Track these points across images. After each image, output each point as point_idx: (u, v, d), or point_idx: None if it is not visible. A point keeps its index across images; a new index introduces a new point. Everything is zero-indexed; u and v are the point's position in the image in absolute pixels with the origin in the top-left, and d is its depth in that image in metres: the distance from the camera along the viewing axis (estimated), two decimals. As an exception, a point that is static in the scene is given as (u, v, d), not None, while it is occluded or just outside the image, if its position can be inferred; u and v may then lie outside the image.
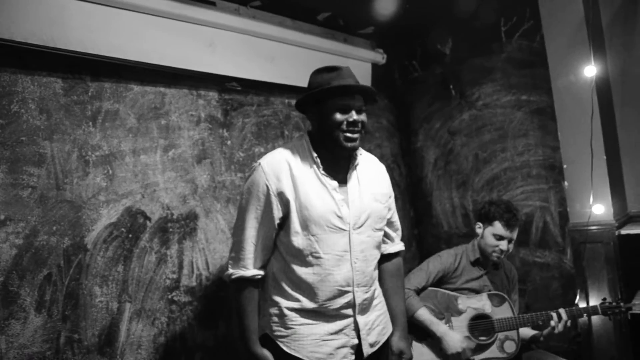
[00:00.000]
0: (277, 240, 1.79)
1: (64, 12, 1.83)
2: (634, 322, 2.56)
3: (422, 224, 3.77)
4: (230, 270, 1.78)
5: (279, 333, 1.75)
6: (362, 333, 1.78)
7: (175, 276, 2.17)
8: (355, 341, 1.78)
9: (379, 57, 3.41)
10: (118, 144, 2.04)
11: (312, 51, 2.87)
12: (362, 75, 3.26)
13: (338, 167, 1.82)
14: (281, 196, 1.72)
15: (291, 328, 1.74)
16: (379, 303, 1.91)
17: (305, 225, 1.72)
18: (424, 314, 2.46)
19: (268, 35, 2.60)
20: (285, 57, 2.71)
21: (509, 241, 2.56)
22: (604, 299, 2.44)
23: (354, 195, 1.80)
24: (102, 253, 1.94)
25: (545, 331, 2.41)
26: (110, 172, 2.00)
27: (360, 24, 3.17)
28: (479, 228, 2.65)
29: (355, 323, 1.78)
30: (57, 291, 1.79)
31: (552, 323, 2.36)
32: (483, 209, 2.66)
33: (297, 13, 2.76)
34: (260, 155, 2.35)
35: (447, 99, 3.56)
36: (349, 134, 1.74)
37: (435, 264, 2.66)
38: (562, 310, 2.38)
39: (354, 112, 1.74)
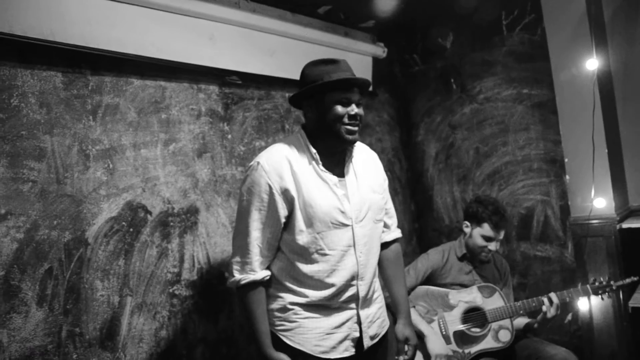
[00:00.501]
0: (280, 244, 1.78)
1: (63, 6, 1.82)
2: (635, 315, 2.56)
3: (423, 217, 3.77)
4: (238, 276, 1.74)
5: (282, 327, 1.75)
6: (364, 326, 1.80)
7: (176, 270, 2.17)
8: (357, 334, 1.79)
9: (380, 50, 3.40)
10: (118, 138, 2.03)
11: (312, 45, 2.86)
12: (363, 69, 3.25)
13: (334, 161, 1.80)
14: (285, 194, 1.70)
15: (295, 322, 1.74)
16: (379, 296, 1.93)
17: (309, 223, 1.70)
18: (411, 315, 2.46)
19: (268, 29, 2.58)
20: (286, 50, 2.70)
21: (498, 241, 2.57)
22: (594, 279, 2.44)
23: (353, 189, 1.79)
24: (103, 247, 1.94)
25: (539, 317, 2.41)
26: (111, 166, 1.99)
27: (361, 18, 3.15)
28: (466, 227, 2.67)
29: (358, 316, 1.79)
30: (59, 285, 1.79)
31: (544, 308, 2.37)
32: (471, 209, 2.65)
33: (297, 6, 2.75)
34: (262, 149, 2.34)
35: (448, 93, 3.55)
36: (350, 127, 1.73)
37: (423, 262, 2.68)
38: (552, 294, 2.39)
39: (354, 105, 1.74)
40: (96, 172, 1.95)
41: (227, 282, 1.78)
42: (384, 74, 3.57)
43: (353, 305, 1.79)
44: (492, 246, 2.56)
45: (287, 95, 2.77)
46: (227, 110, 2.48)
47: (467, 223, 2.66)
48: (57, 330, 1.77)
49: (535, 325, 2.46)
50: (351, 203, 1.76)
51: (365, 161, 1.92)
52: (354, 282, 1.77)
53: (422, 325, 2.45)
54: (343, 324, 1.77)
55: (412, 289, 2.61)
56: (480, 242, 2.57)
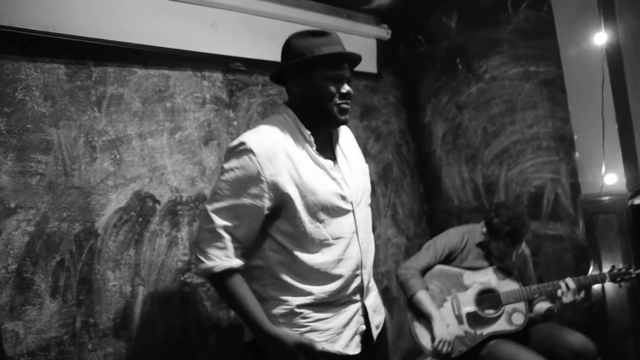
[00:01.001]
0: (273, 231, 1.59)
1: (64, -3, 1.81)
2: (649, 291, 2.55)
3: (432, 199, 3.75)
4: (209, 263, 1.51)
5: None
6: (370, 316, 1.70)
7: (186, 258, 2.18)
8: (364, 327, 1.69)
9: (384, 32, 3.36)
10: (124, 128, 2.03)
11: (315, 29, 2.82)
12: (368, 51, 3.22)
13: (322, 142, 1.65)
14: (275, 184, 1.52)
15: (306, 326, 1.59)
16: (373, 282, 1.82)
17: (312, 212, 1.56)
18: (422, 296, 2.46)
19: (269, 14, 2.56)
20: (288, 35, 2.67)
21: (516, 250, 2.52)
22: (613, 267, 2.40)
23: (347, 173, 1.67)
24: (113, 237, 1.95)
25: (558, 302, 2.38)
26: (118, 156, 2.00)
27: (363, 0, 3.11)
28: (484, 235, 2.57)
29: (364, 308, 1.69)
30: (71, 277, 1.81)
31: (559, 293, 2.33)
32: (490, 216, 2.52)
33: (299, -10, 2.71)
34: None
35: (454, 73, 3.51)
36: (343, 106, 1.59)
37: (442, 241, 2.65)
38: (569, 280, 2.34)
39: (345, 83, 1.60)
40: (103, 163, 1.95)
41: (194, 268, 1.61)
42: (389, 55, 3.53)
43: (358, 296, 1.68)
44: (510, 258, 2.53)
45: (291, 80, 2.74)
46: (232, 97, 2.47)
47: (485, 230, 2.56)
48: (71, 321, 1.79)
49: (555, 310, 2.43)
50: (350, 187, 1.65)
51: (348, 142, 1.79)
52: (359, 272, 1.66)
53: (432, 308, 2.44)
54: (351, 319, 1.65)
55: (430, 267, 2.59)
56: (498, 253, 2.54)
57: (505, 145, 3.34)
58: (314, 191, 1.55)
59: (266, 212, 1.55)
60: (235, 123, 2.46)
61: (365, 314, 1.70)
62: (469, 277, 2.52)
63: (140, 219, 2.04)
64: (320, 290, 1.59)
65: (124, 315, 1.95)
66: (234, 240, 1.54)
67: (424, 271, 2.57)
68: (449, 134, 3.60)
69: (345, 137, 1.78)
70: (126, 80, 2.06)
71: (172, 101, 2.21)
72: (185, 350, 2.14)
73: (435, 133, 3.67)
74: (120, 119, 2.02)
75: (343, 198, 1.61)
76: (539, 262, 3.22)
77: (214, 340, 2.24)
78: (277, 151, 1.53)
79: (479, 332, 2.45)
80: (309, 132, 1.60)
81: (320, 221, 1.57)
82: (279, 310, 1.60)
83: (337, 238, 1.60)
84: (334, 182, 1.61)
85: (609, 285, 2.66)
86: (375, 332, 1.72)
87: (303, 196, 1.55)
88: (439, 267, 2.59)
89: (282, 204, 1.54)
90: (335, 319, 1.62)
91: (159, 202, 2.11)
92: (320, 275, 1.58)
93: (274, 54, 2.63)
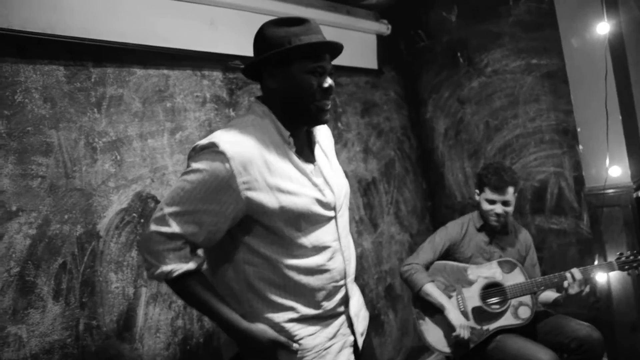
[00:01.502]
0: (248, 241, 1.44)
1: (61, -2, 1.80)
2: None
3: (435, 195, 3.74)
4: (165, 268, 1.34)
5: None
6: (355, 325, 1.58)
7: (189, 259, 2.16)
8: (351, 338, 1.58)
9: (384, 28, 3.34)
10: (124, 129, 2.02)
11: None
12: (368, 47, 3.21)
13: (300, 142, 1.51)
14: (248, 194, 1.36)
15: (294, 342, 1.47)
16: (354, 284, 1.67)
17: (291, 221, 1.41)
18: (430, 289, 2.45)
19: (268, 11, 2.54)
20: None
21: (504, 203, 2.50)
22: (621, 254, 2.35)
23: (329, 174, 1.54)
24: (115, 239, 1.94)
25: (564, 293, 2.35)
26: (119, 157, 1.98)
27: (363, -5, 3.10)
28: (477, 196, 2.63)
29: (348, 318, 1.57)
30: (73, 279, 1.80)
31: (565, 284, 2.29)
32: (477, 176, 2.64)
33: (297, -14, 2.70)
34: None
35: (455, 67, 3.49)
36: (325, 102, 1.45)
37: (442, 235, 2.64)
38: (575, 270, 2.30)
39: (327, 76, 1.44)
40: (104, 164, 1.94)
41: (146, 272, 1.45)
42: (389, 51, 3.51)
43: (342, 308, 1.55)
44: (498, 209, 2.49)
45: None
46: (232, 96, 2.46)
47: (477, 191, 2.63)
48: (74, 323, 1.78)
49: (562, 300, 2.39)
50: (333, 192, 1.52)
51: (326, 141, 1.65)
52: (343, 282, 1.53)
53: (442, 299, 2.43)
54: (337, 332, 1.53)
55: (430, 263, 2.57)
56: (486, 206, 2.53)
57: (507, 139, 3.33)
58: (293, 199, 1.41)
59: (233, 222, 1.40)
60: (236, 122, 2.45)
61: (350, 325, 1.59)
62: (473, 271, 2.50)
63: (142, 220, 2.03)
64: (302, 305, 1.46)
65: (127, 317, 1.94)
66: (192, 243, 1.39)
67: (427, 266, 2.56)
68: (451, 129, 3.59)
69: (324, 136, 1.66)
70: (126, 80, 2.05)
71: (172, 101, 2.20)
72: (189, 352, 2.13)
73: (437, 129, 3.65)
74: (120, 119, 2.01)
75: (324, 205, 1.48)
76: (543, 257, 3.20)
77: (218, 342, 2.23)
78: (252, 156, 1.37)
79: (485, 327, 2.43)
80: (288, 133, 1.46)
81: (301, 230, 1.44)
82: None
83: (319, 247, 1.47)
84: (315, 188, 1.47)
85: (614, 280, 2.65)
86: (360, 340, 1.61)
87: (281, 205, 1.39)
88: (441, 262, 2.57)
89: (255, 214, 1.39)
90: (322, 334, 1.50)
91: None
92: (302, 289, 1.46)
93: (274, 52, 2.63)
